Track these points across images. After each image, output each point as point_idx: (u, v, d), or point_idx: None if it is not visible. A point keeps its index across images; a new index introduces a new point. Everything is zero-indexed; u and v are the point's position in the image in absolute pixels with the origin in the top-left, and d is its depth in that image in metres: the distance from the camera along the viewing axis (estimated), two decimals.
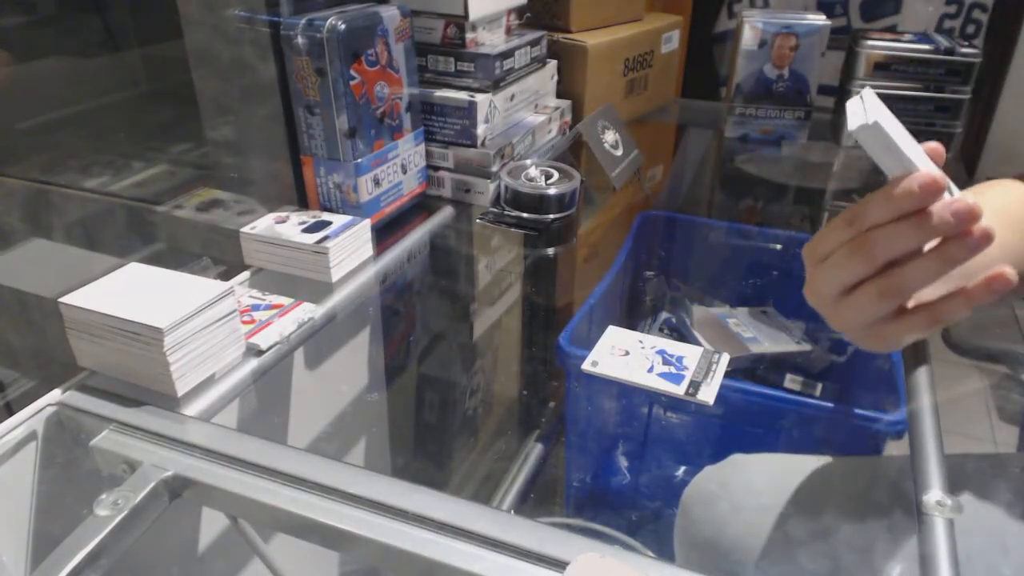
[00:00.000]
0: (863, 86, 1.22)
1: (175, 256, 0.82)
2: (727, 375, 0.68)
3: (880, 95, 0.42)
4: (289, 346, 0.67)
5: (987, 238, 0.38)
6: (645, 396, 0.85)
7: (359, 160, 0.82)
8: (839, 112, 1.30)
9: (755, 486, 0.65)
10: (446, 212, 0.97)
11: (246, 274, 0.77)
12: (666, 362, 0.70)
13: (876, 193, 0.40)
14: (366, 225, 0.81)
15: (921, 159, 0.40)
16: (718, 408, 0.70)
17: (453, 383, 1.05)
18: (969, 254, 0.38)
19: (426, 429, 1.06)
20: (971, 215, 0.37)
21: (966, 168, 1.58)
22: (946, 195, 0.38)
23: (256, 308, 0.71)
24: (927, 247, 0.40)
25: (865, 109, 0.40)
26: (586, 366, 0.70)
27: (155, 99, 0.84)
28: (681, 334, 1.09)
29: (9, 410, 0.56)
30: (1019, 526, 0.55)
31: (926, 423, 0.59)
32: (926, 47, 1.21)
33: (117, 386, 0.59)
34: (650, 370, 0.69)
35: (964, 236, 0.38)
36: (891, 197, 0.38)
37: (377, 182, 0.85)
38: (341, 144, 0.80)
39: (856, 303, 0.42)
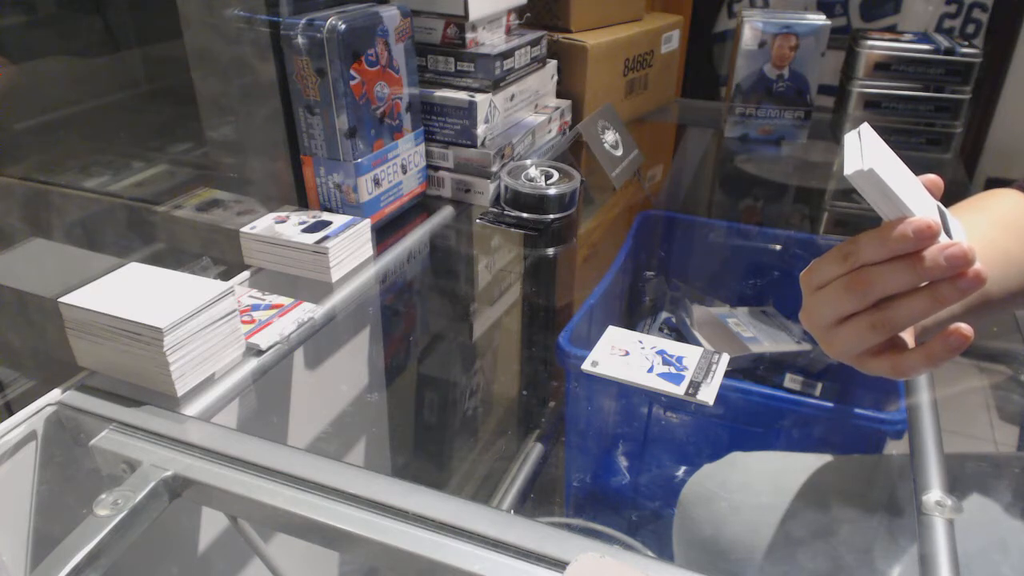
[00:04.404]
0: (863, 86, 1.23)
1: (175, 256, 0.82)
2: (727, 375, 0.68)
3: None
4: (289, 346, 0.67)
5: (979, 280, 0.38)
6: (645, 396, 0.85)
7: (359, 160, 0.82)
8: (839, 112, 1.30)
9: (754, 485, 0.65)
10: (446, 212, 0.97)
11: (246, 274, 0.77)
12: (666, 362, 0.70)
13: (871, 232, 0.41)
14: (366, 225, 0.81)
15: (918, 199, 0.40)
16: (718, 408, 0.70)
17: (453, 383, 1.05)
18: (961, 295, 0.39)
19: (426, 429, 1.06)
20: (964, 260, 0.38)
21: (966, 168, 1.58)
22: (942, 236, 0.39)
23: (256, 308, 0.71)
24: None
25: (862, 149, 0.40)
26: (586, 366, 0.70)
27: (155, 99, 0.83)
28: (681, 334, 1.09)
29: (9, 410, 0.56)
30: (1019, 526, 0.55)
31: (926, 423, 0.59)
32: (926, 47, 1.21)
33: (117, 386, 0.59)
34: (650, 370, 0.69)
35: (957, 278, 0.39)
36: (886, 239, 0.39)
37: (377, 182, 0.85)
38: (341, 144, 0.80)
39: (848, 334, 0.43)
